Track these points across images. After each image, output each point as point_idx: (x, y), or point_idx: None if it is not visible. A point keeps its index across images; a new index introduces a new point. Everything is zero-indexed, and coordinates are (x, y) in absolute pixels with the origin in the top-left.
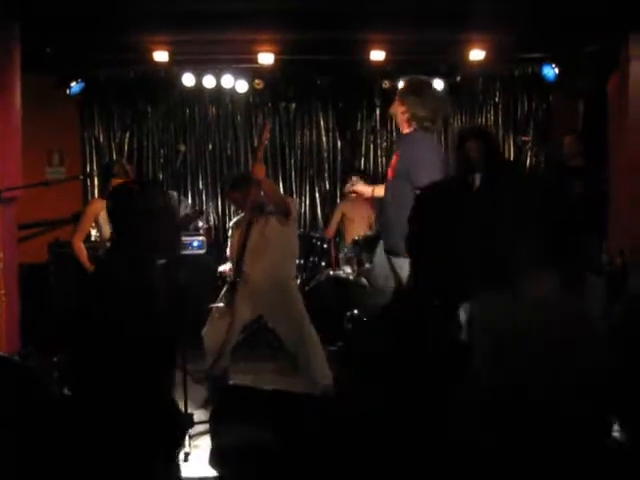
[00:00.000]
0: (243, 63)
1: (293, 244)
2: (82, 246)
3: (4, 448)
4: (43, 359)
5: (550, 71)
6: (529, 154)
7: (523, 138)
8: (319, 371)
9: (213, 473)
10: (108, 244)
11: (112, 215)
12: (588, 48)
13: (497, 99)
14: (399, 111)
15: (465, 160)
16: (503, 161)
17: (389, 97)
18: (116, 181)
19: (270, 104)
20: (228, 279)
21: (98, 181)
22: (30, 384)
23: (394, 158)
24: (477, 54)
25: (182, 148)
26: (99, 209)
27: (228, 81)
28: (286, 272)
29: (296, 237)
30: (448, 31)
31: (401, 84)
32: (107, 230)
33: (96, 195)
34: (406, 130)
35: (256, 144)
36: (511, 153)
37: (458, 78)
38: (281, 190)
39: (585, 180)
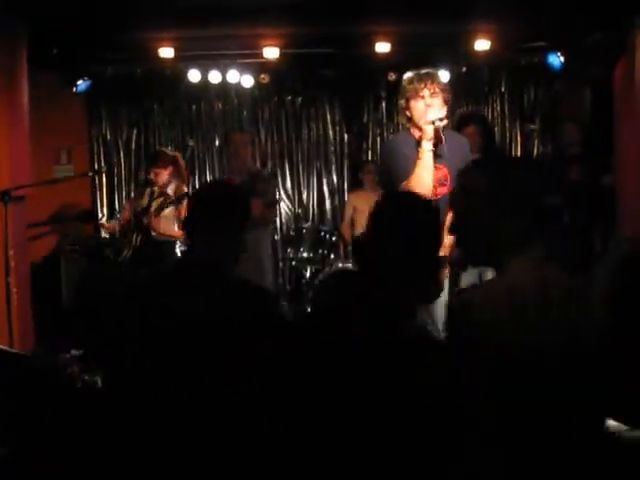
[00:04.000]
0: (248, 58)
1: None
2: None
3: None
4: (58, 356)
5: (556, 60)
6: (536, 142)
7: (531, 126)
8: None
9: None
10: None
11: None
12: (594, 36)
13: (503, 89)
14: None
15: None
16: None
17: (395, 89)
18: (157, 171)
19: (276, 98)
20: None
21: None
22: (47, 377)
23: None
24: (482, 44)
25: (191, 143)
26: None
27: (234, 76)
28: None
29: None
30: (453, 22)
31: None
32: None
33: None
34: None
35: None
36: (518, 142)
37: (464, 68)
38: (288, 183)
39: (583, 168)
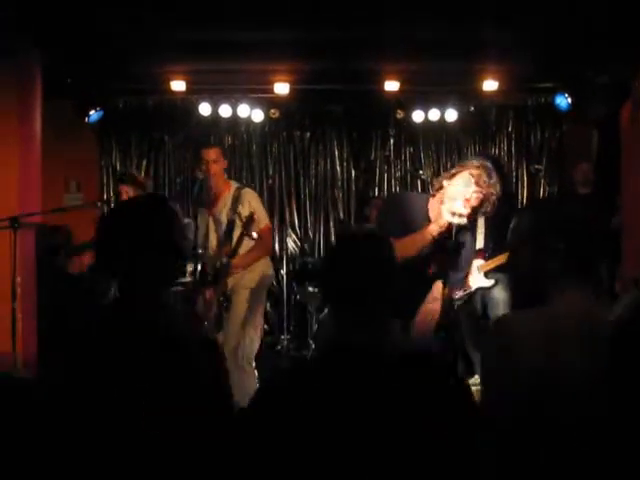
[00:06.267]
0: (259, 93)
1: None
2: None
3: None
4: None
5: (563, 101)
6: (542, 183)
7: (536, 167)
8: None
9: None
10: None
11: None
12: (601, 77)
13: (510, 129)
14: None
15: None
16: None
17: (403, 127)
18: (126, 189)
19: (285, 133)
20: None
21: None
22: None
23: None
24: (491, 84)
25: (200, 176)
26: None
27: (244, 110)
28: None
29: None
30: (462, 61)
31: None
32: None
33: None
34: None
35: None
36: (524, 183)
37: (471, 108)
38: (295, 218)
39: (593, 207)
